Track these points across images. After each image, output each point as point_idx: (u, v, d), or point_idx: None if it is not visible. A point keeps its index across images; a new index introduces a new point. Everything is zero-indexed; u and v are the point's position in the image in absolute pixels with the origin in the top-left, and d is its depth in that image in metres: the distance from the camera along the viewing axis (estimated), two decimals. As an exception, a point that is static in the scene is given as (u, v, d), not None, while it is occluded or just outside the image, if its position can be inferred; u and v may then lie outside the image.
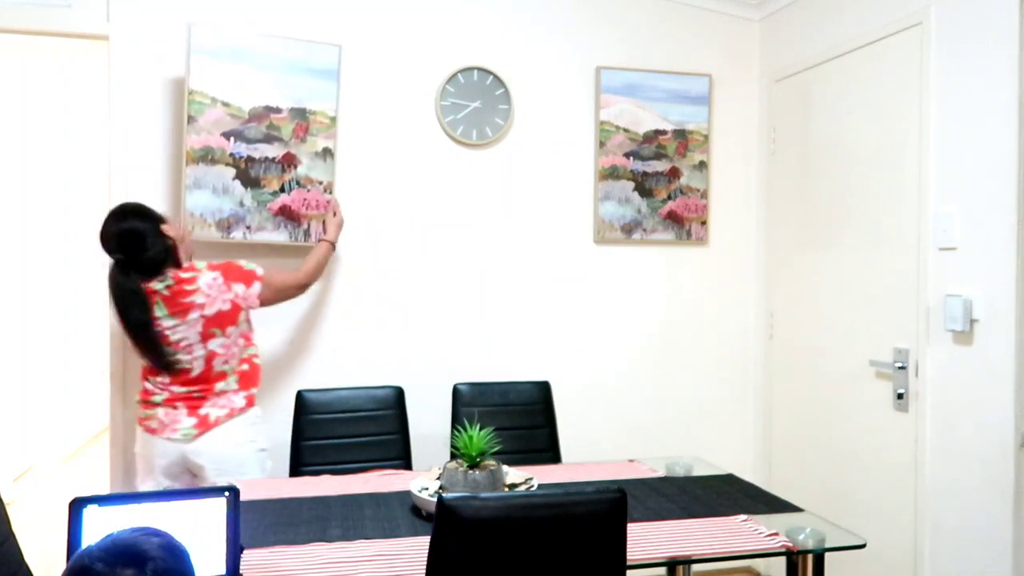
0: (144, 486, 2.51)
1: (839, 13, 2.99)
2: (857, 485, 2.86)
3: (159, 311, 2.37)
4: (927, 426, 2.53)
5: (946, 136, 2.48)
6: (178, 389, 2.45)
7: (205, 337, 2.41)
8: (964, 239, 2.41)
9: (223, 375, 2.47)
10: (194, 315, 2.38)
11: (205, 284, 2.39)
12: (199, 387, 2.45)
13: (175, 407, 2.44)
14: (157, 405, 2.46)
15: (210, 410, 2.45)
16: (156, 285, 2.36)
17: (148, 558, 1.10)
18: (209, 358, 2.43)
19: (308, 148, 2.88)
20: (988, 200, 2.32)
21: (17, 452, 4.90)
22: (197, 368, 2.43)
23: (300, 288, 2.71)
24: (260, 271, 2.53)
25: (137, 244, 2.34)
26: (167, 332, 2.38)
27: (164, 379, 2.44)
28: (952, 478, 2.44)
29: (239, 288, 2.45)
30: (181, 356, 2.40)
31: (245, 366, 2.53)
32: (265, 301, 2.55)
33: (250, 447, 2.50)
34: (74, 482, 4.98)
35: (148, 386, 2.49)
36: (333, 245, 2.85)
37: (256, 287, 2.50)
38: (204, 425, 2.43)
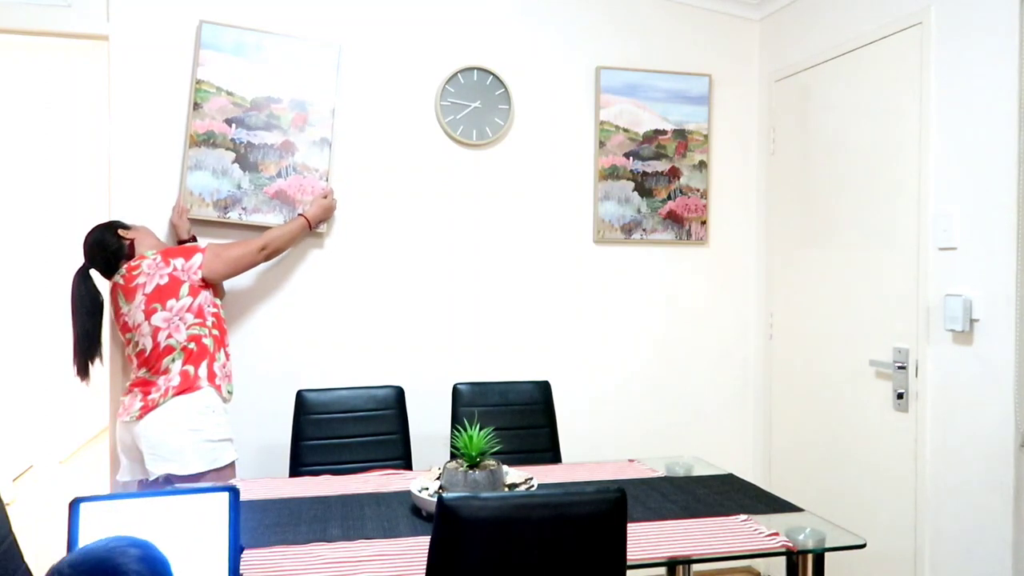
0: (118, 474, 2.61)
1: (839, 13, 2.99)
2: (857, 485, 2.86)
3: (120, 300, 2.54)
4: (927, 426, 2.53)
5: (946, 136, 2.48)
6: (140, 373, 2.54)
7: (148, 314, 2.49)
8: (964, 239, 2.41)
9: (170, 350, 2.50)
10: (139, 296, 2.50)
11: (146, 265, 2.52)
12: (151, 368, 2.51)
13: (134, 392, 2.54)
14: (128, 391, 2.58)
15: (155, 394, 2.48)
16: (116, 278, 2.56)
17: (123, 572, 1.03)
18: (154, 333, 2.50)
19: (306, 137, 2.98)
20: (988, 200, 2.32)
21: (17, 452, 4.90)
22: (148, 346, 2.50)
23: (258, 253, 2.72)
24: (203, 245, 2.64)
25: (96, 248, 2.60)
26: (126, 319, 2.52)
27: (134, 363, 2.56)
28: (952, 478, 2.44)
29: (178, 262, 2.54)
30: (137, 338, 2.52)
31: (192, 344, 2.53)
32: (214, 272, 2.60)
33: (192, 436, 2.44)
34: (74, 482, 4.98)
35: (130, 373, 2.64)
36: (310, 224, 2.91)
37: (197, 258, 2.57)
38: (146, 407, 2.47)
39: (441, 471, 2.16)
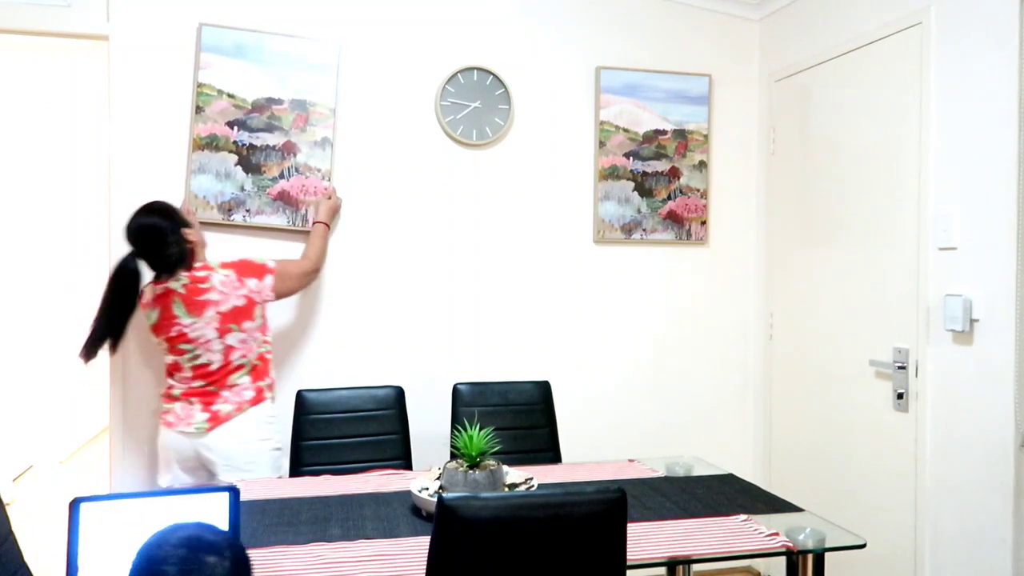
0: (162, 480, 2.56)
1: (839, 13, 2.99)
2: (857, 485, 2.86)
3: (178, 310, 2.46)
4: (927, 426, 2.53)
5: (946, 136, 2.48)
6: (196, 384, 2.50)
7: (222, 332, 2.47)
8: (964, 239, 2.41)
9: (239, 368, 2.53)
10: (210, 312, 2.45)
11: (218, 282, 2.46)
12: (215, 382, 2.50)
13: (191, 402, 2.50)
14: (176, 399, 2.52)
15: (222, 405, 2.49)
16: (173, 284, 2.46)
17: (225, 546, 1.14)
18: (227, 352, 2.49)
19: (307, 137, 2.98)
20: (988, 200, 2.32)
21: (17, 452, 4.90)
22: (216, 363, 2.48)
23: (312, 274, 2.78)
24: (272, 264, 2.60)
25: (153, 240, 2.42)
26: (186, 330, 2.46)
27: (186, 374, 2.50)
28: (952, 478, 2.44)
29: (252, 283, 2.52)
30: (200, 351, 2.47)
31: (259, 361, 2.58)
32: (280, 292, 2.63)
33: (262, 445, 2.53)
34: (74, 482, 4.98)
35: (170, 380, 2.55)
36: (327, 226, 2.93)
37: (269, 280, 2.57)
38: (216, 420, 2.48)
39: (441, 471, 2.16)
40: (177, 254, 2.43)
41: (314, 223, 2.90)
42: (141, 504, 1.49)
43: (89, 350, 2.43)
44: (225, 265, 2.52)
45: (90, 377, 5.93)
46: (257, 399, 2.54)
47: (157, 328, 2.51)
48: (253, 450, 2.50)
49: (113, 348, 2.51)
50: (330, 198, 2.96)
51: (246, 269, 2.53)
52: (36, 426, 5.17)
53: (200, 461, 2.51)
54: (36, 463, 5.20)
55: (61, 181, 5.58)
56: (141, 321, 2.92)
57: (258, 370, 2.57)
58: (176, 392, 2.53)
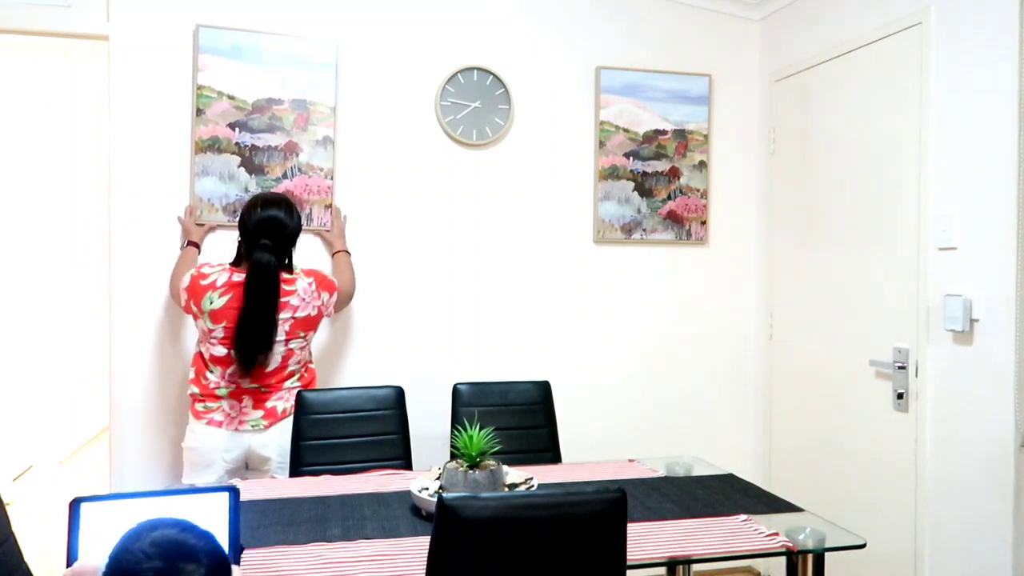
0: (192, 480, 2.50)
1: (839, 13, 2.99)
2: (857, 485, 2.86)
3: None
4: (927, 426, 2.53)
5: (946, 136, 2.48)
6: (247, 383, 2.49)
7: (289, 336, 2.49)
8: (964, 239, 2.41)
9: (292, 374, 2.57)
10: (286, 314, 2.47)
11: (301, 288, 2.51)
12: (269, 385, 2.52)
13: (240, 400, 2.49)
14: (221, 398, 2.49)
15: (276, 403, 2.52)
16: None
17: (200, 551, 1.10)
18: (287, 356, 2.51)
19: (309, 137, 2.99)
20: (988, 200, 2.32)
21: (17, 452, 4.90)
22: (273, 364, 2.49)
23: (351, 299, 2.86)
24: (337, 283, 2.68)
25: (286, 236, 2.49)
26: None
27: (234, 370, 2.46)
28: (952, 478, 2.44)
29: (325, 296, 2.59)
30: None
31: (305, 371, 2.65)
32: (336, 310, 2.71)
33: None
34: (74, 482, 4.98)
35: (211, 377, 2.50)
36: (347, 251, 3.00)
37: (335, 296, 2.65)
38: (272, 416, 2.50)
39: (441, 471, 2.16)
40: (291, 260, 2.55)
41: (337, 253, 2.94)
42: (141, 504, 1.48)
43: (250, 363, 2.41)
44: (307, 272, 2.56)
45: (90, 377, 5.93)
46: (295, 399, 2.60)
47: (219, 315, 2.43)
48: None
49: (270, 350, 2.45)
50: (333, 225, 2.99)
51: (323, 282, 2.59)
52: (36, 426, 5.17)
53: (246, 460, 2.52)
54: (36, 463, 5.20)
55: (61, 181, 5.58)
56: (143, 317, 2.92)
57: (304, 379, 2.63)
58: (222, 391, 2.48)
